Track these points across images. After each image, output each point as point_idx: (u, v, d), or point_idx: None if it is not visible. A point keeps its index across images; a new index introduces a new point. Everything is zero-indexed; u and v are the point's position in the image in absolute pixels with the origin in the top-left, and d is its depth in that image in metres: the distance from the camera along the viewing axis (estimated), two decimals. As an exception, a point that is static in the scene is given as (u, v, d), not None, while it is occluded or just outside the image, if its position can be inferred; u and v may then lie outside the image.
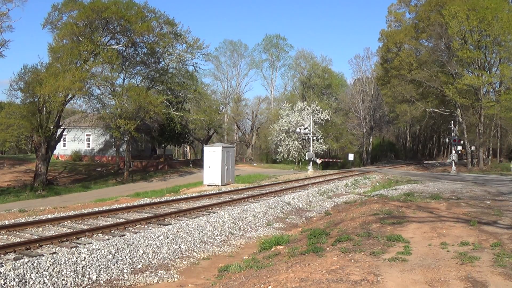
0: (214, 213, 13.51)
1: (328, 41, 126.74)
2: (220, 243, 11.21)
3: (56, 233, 10.26)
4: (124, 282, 8.02)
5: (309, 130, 43.74)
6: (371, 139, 69.60)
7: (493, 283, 5.56)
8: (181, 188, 26.33)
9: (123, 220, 12.03)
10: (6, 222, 11.53)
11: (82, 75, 29.01)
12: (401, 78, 47.02)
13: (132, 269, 8.65)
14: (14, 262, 7.58)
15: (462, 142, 42.18)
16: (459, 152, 38.92)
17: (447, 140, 42.29)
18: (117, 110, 33.34)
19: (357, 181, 27.94)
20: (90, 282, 7.85)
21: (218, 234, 11.80)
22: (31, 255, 8.12)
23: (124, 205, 15.39)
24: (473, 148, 44.41)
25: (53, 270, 7.70)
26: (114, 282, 8.01)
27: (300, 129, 44.99)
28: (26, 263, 7.58)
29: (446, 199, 14.57)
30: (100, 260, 8.48)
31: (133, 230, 10.79)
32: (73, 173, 37.54)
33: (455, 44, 39.80)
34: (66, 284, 7.57)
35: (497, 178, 30.02)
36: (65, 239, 9.37)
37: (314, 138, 48.49)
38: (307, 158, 41.12)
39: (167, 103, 36.69)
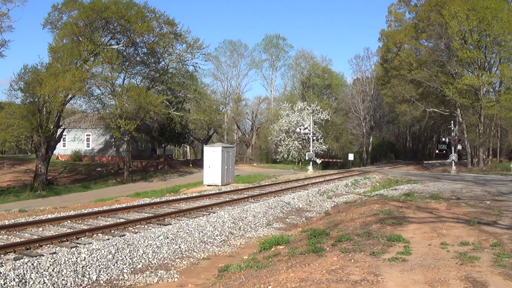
0: (214, 213, 13.50)
1: (328, 41, 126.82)
2: (220, 243, 11.21)
3: (56, 233, 10.25)
4: (124, 282, 8.02)
5: (309, 130, 43.74)
6: (371, 139, 69.58)
7: (493, 283, 5.56)
8: (181, 188, 26.33)
9: (123, 220, 12.03)
10: (6, 222, 11.53)
11: (82, 75, 29.02)
12: (401, 78, 47.04)
13: (132, 269, 8.65)
14: (14, 262, 7.57)
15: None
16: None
17: (446, 140, 42.28)
18: (117, 110, 33.35)
19: (357, 181, 27.94)
20: (90, 282, 7.85)
21: (218, 234, 11.80)
22: (31, 255, 8.12)
23: (124, 205, 15.38)
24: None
25: (53, 270, 7.69)
26: (114, 282, 8.01)
27: (300, 129, 45.00)
28: (26, 263, 7.58)
29: (446, 199, 14.57)
30: (100, 260, 8.48)
31: (133, 230, 10.79)
32: (73, 173, 37.54)
33: (455, 44, 39.82)
34: (66, 284, 7.57)
35: (497, 178, 30.01)
36: (65, 239, 9.37)
37: (314, 138, 48.48)
38: (307, 158, 41.12)
39: (167, 103, 36.71)
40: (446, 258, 6.91)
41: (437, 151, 63.62)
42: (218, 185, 24.50)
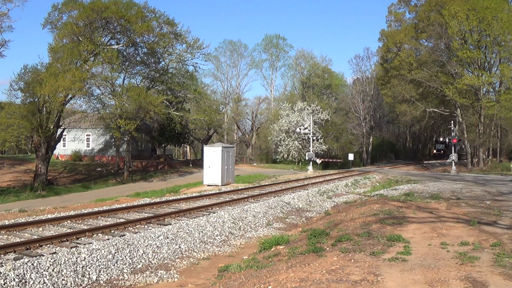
0: (214, 213, 13.50)
1: (328, 41, 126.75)
2: (220, 243, 11.21)
3: (56, 233, 10.25)
4: (124, 282, 8.02)
5: (309, 130, 43.73)
6: (371, 139, 69.53)
7: (493, 283, 5.56)
8: (181, 188, 26.33)
9: (123, 220, 12.03)
10: (6, 222, 11.53)
11: (82, 75, 29.00)
12: (401, 78, 47.01)
13: (132, 269, 8.65)
14: (14, 262, 7.57)
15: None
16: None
17: (446, 140, 42.26)
18: (117, 110, 33.33)
19: (357, 181, 27.94)
20: (90, 282, 7.85)
21: (218, 234, 11.80)
22: (31, 255, 8.11)
23: (124, 205, 15.39)
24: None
25: (53, 270, 7.70)
26: (114, 282, 8.01)
27: (300, 129, 44.97)
28: (26, 263, 7.58)
29: (446, 199, 14.57)
30: (100, 260, 8.48)
31: (133, 230, 10.79)
32: (73, 173, 37.54)
33: (455, 44, 39.81)
34: (66, 284, 7.57)
35: (497, 178, 30.01)
36: (65, 239, 9.36)
37: (314, 138, 48.48)
38: (307, 158, 41.11)
39: (167, 103, 36.69)
40: (446, 258, 6.91)
41: (434, 151, 63.59)
42: (218, 185, 24.50)
